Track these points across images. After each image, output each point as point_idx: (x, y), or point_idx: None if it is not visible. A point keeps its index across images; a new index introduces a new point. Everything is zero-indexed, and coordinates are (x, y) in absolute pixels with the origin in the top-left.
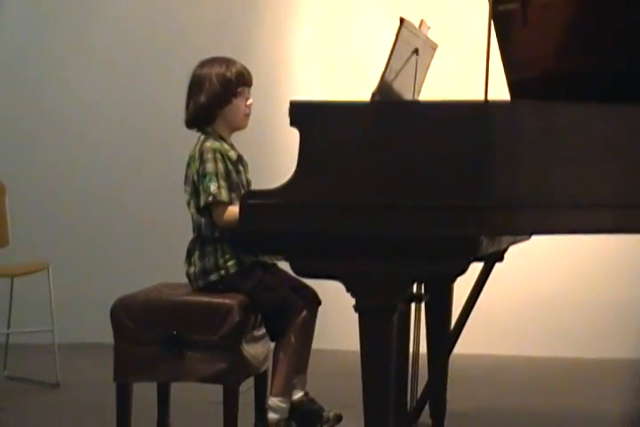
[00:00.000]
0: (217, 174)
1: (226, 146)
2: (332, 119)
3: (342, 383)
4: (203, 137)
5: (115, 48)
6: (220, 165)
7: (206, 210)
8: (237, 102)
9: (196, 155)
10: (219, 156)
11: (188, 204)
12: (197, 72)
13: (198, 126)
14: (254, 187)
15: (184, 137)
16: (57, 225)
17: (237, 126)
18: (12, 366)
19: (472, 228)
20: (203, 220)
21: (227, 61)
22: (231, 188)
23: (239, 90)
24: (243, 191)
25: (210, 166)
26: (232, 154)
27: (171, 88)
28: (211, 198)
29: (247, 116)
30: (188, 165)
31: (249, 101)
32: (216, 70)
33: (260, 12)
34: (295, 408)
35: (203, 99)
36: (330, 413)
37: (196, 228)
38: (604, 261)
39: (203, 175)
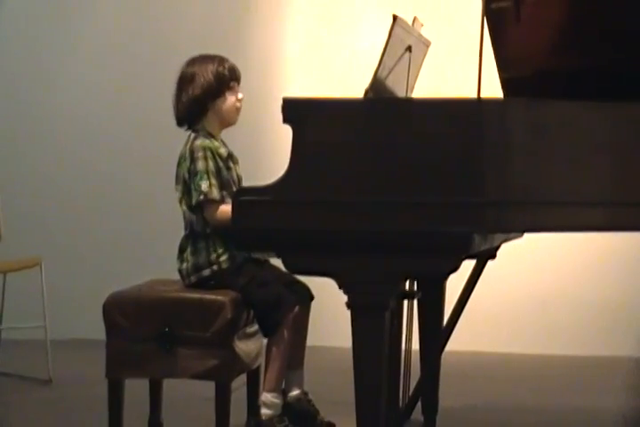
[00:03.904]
0: (208, 172)
1: (216, 143)
2: (324, 116)
3: (335, 380)
4: (192, 135)
5: (104, 48)
6: (211, 163)
7: (198, 208)
8: (230, 96)
9: (187, 153)
10: (209, 154)
11: (180, 202)
12: (189, 69)
13: (189, 122)
14: (246, 183)
15: (175, 134)
16: (49, 221)
17: (228, 121)
18: (3, 362)
19: (464, 225)
20: (194, 217)
21: (219, 58)
22: (222, 185)
23: (231, 84)
24: (234, 188)
25: (200, 165)
26: (222, 151)
27: (161, 87)
28: (202, 197)
29: (238, 110)
30: (179, 164)
31: (240, 96)
32: (209, 66)
33: (251, 9)
34: (292, 405)
35: (197, 91)
36: (324, 419)
37: (188, 225)
38: (596, 258)
39: (194, 174)
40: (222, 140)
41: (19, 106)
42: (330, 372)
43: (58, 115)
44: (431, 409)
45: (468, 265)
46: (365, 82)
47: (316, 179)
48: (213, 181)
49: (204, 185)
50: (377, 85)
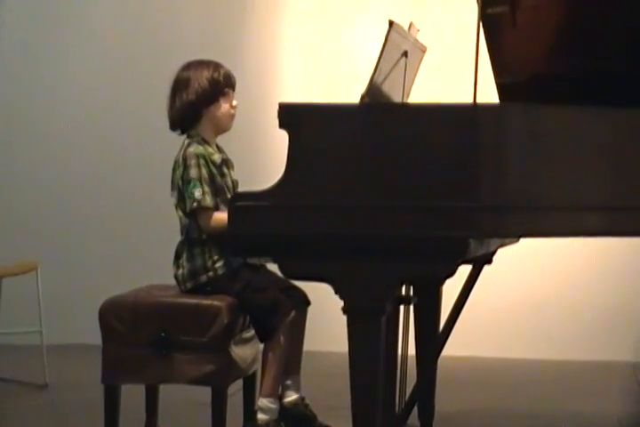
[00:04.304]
0: (201, 180)
1: (210, 149)
2: (320, 121)
3: (332, 385)
4: (186, 142)
5: (100, 51)
6: (204, 171)
7: (192, 215)
8: (224, 103)
9: (180, 160)
10: (202, 161)
11: (176, 207)
12: (184, 73)
13: (183, 127)
14: (242, 188)
15: (172, 139)
16: (46, 226)
17: (222, 127)
18: None
19: (460, 230)
20: (190, 223)
21: (214, 64)
22: (215, 192)
23: (226, 90)
24: (228, 194)
25: (193, 172)
26: (216, 157)
27: (158, 91)
28: (195, 204)
29: (232, 117)
30: (174, 170)
31: (234, 103)
32: (204, 71)
33: (248, 15)
34: (289, 410)
35: (191, 96)
36: (322, 423)
37: (184, 230)
38: (592, 263)
39: (187, 181)
40: (218, 146)
41: (14, 110)
42: (326, 377)
43: (54, 119)
44: (427, 414)
45: (464, 270)
46: (362, 87)
47: (313, 184)
48: (206, 189)
49: (197, 193)
50: (373, 90)
